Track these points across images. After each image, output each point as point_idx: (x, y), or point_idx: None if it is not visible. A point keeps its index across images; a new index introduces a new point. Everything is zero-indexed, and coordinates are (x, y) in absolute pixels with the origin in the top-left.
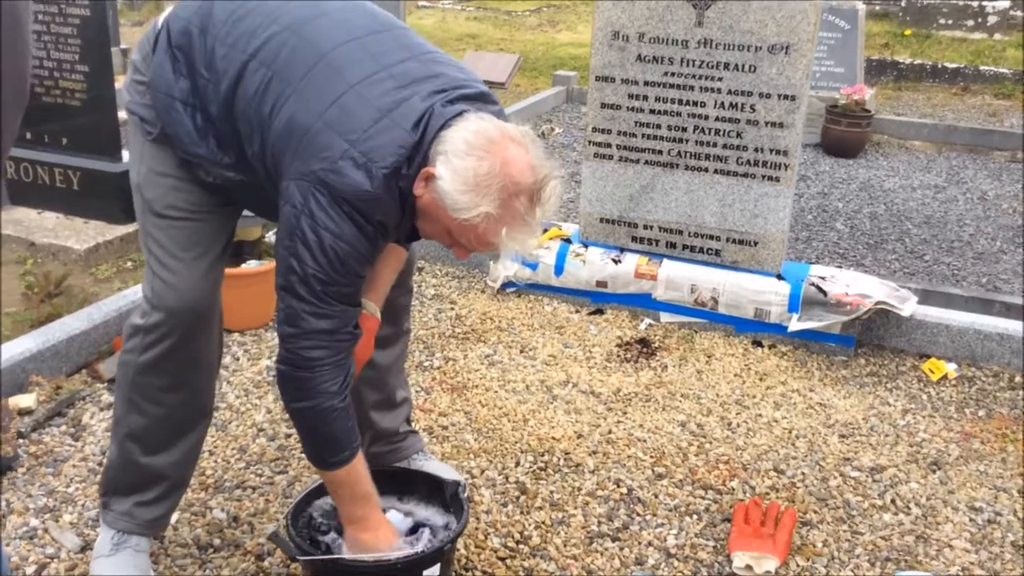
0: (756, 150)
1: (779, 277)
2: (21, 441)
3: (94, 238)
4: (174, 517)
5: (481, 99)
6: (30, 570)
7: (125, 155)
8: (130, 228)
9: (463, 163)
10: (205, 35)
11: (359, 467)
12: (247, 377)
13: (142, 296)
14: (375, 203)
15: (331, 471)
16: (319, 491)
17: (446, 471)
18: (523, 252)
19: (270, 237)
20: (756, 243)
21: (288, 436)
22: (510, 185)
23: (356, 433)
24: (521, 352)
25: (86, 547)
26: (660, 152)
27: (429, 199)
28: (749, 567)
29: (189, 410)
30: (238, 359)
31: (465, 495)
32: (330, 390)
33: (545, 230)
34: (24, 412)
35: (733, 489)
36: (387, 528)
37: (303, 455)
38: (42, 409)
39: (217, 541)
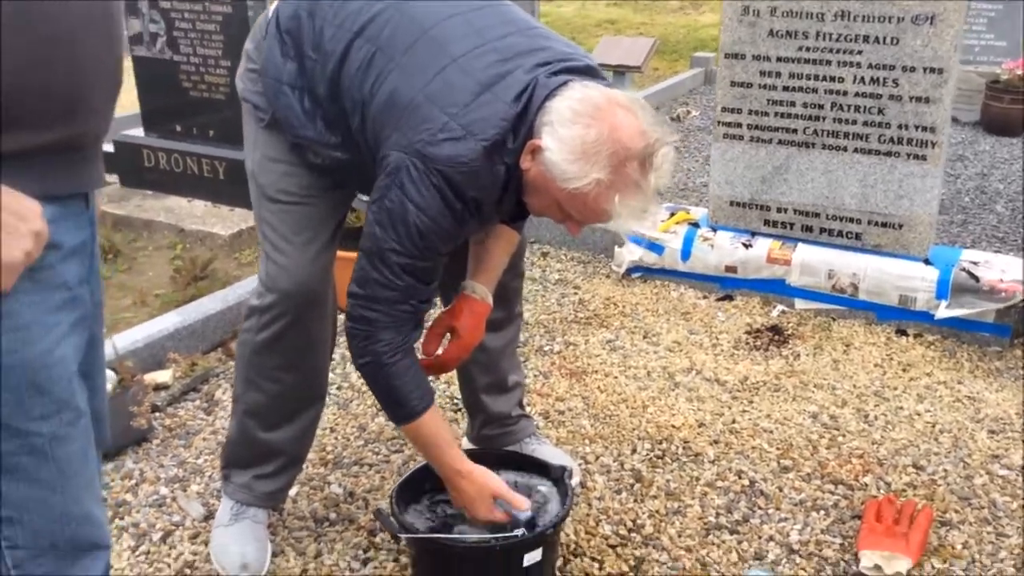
0: (900, 127)
1: (926, 262)
2: (156, 414)
3: (238, 224)
4: (293, 491)
5: (587, 72)
6: (156, 536)
7: None
8: None
9: (570, 132)
10: (313, 17)
11: (429, 427)
12: None
13: (258, 279)
14: (471, 176)
15: (400, 426)
16: (421, 472)
17: (558, 456)
18: (637, 221)
19: None
20: (901, 226)
21: None
22: (620, 151)
23: (420, 392)
24: (644, 338)
25: (209, 516)
26: (795, 131)
27: (537, 172)
28: (878, 567)
29: (303, 390)
30: None
31: (572, 480)
32: (384, 351)
33: (672, 214)
34: (160, 387)
35: (866, 485)
36: (469, 490)
37: None
38: (178, 384)
39: (333, 515)
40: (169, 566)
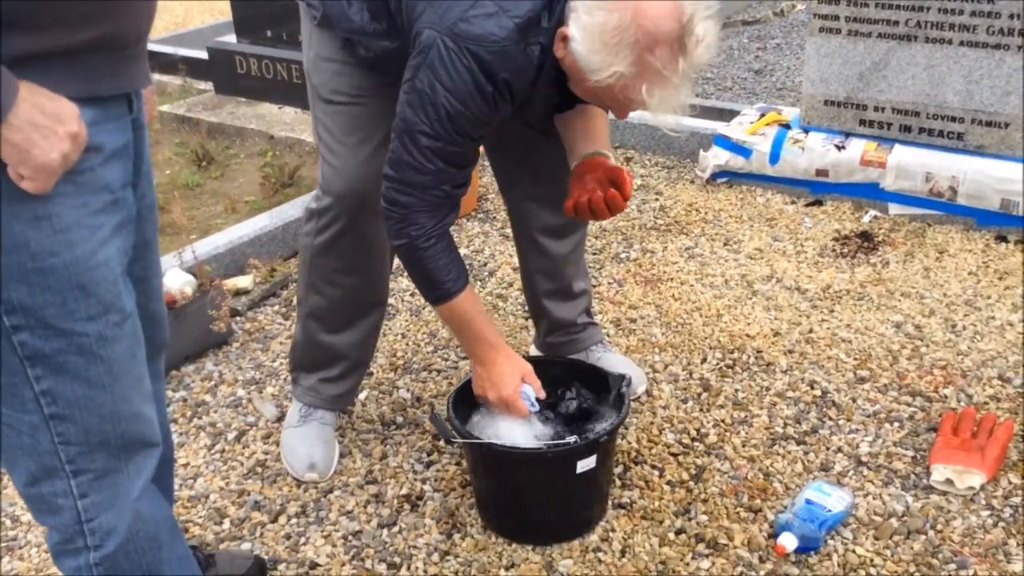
0: (1011, 17)
1: None
2: (237, 319)
3: None
4: (362, 395)
5: None
6: (231, 435)
7: None
8: None
9: (592, 18)
10: None
11: (464, 305)
12: None
13: (318, 182)
14: (503, 56)
15: (434, 306)
16: None
17: (624, 364)
18: (673, 110)
19: None
20: (1007, 124)
21: None
22: (643, 38)
23: (455, 274)
24: (724, 245)
25: (282, 417)
26: (896, 23)
27: (570, 61)
28: (950, 481)
29: (363, 294)
30: None
31: (639, 389)
32: (419, 235)
33: (762, 115)
34: (241, 292)
35: (946, 397)
36: (503, 366)
37: None
38: (257, 290)
39: (400, 419)
40: (242, 464)
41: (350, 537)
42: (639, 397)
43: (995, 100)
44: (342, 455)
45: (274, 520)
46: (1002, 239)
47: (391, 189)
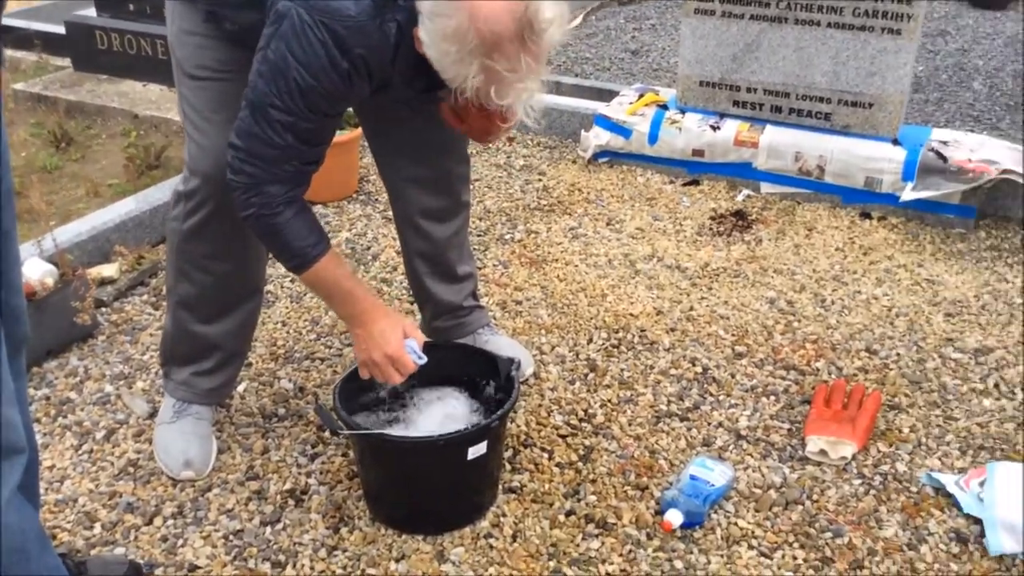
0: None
1: (895, 142)
2: (102, 310)
3: None
4: (241, 387)
5: None
6: (100, 434)
7: None
8: None
9: (434, 26)
10: None
11: (328, 268)
12: None
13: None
14: (359, 31)
15: (298, 275)
16: None
17: (511, 347)
18: (531, 100)
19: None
20: (871, 105)
21: None
22: (482, 41)
23: (314, 238)
24: (607, 225)
25: (154, 413)
26: (767, 5)
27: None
28: (824, 452)
29: (237, 282)
30: None
31: (527, 371)
32: (267, 202)
33: (641, 95)
34: (107, 281)
35: (818, 370)
36: (382, 322)
37: None
38: (124, 279)
39: (282, 411)
40: (113, 464)
41: (231, 536)
42: (527, 379)
43: (860, 81)
44: (220, 451)
45: (149, 522)
46: (866, 215)
47: (236, 159)
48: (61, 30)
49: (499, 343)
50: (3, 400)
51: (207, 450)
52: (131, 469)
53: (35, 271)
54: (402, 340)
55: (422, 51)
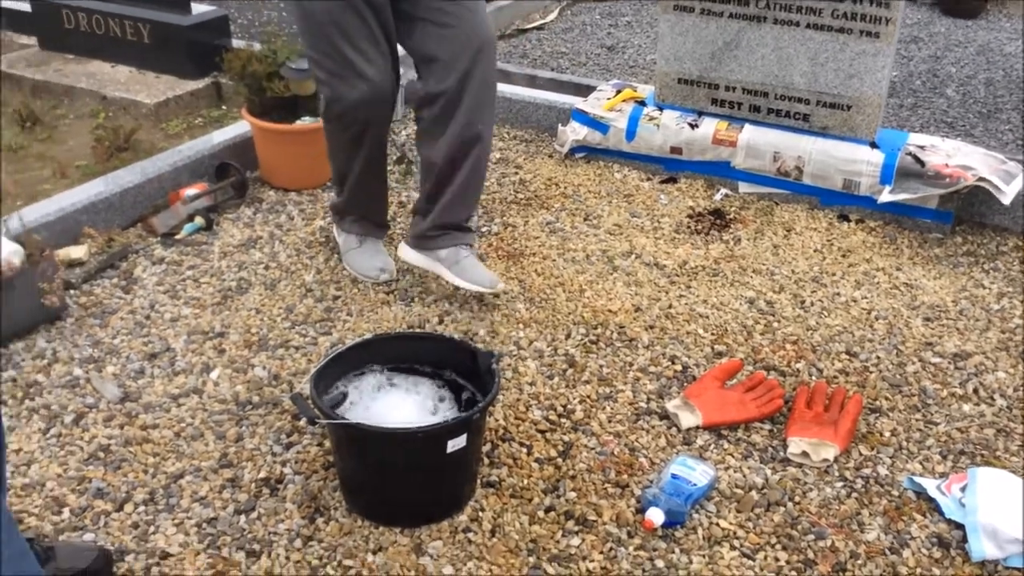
0: (855, 1)
1: (873, 145)
2: (71, 292)
3: (164, 93)
4: (214, 373)
5: None
6: (68, 419)
7: (195, 8)
8: (200, 84)
9: None
10: None
11: None
12: (300, 237)
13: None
14: None
15: None
16: (345, 355)
17: (485, 278)
18: None
19: None
20: (850, 107)
21: (336, 299)
22: None
23: None
24: (585, 220)
25: (126, 398)
26: (747, 3)
27: None
28: (805, 454)
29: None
30: (292, 218)
31: (498, 365)
32: None
33: (618, 91)
34: (75, 263)
35: (798, 371)
36: None
37: (348, 317)
38: (93, 261)
39: (256, 398)
40: (82, 449)
41: (204, 524)
42: (505, 372)
43: (839, 83)
44: (192, 437)
45: (119, 508)
46: (844, 218)
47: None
48: (27, 7)
49: (475, 272)
50: None
51: (391, 260)
52: (101, 454)
53: (2, 250)
54: None
55: None
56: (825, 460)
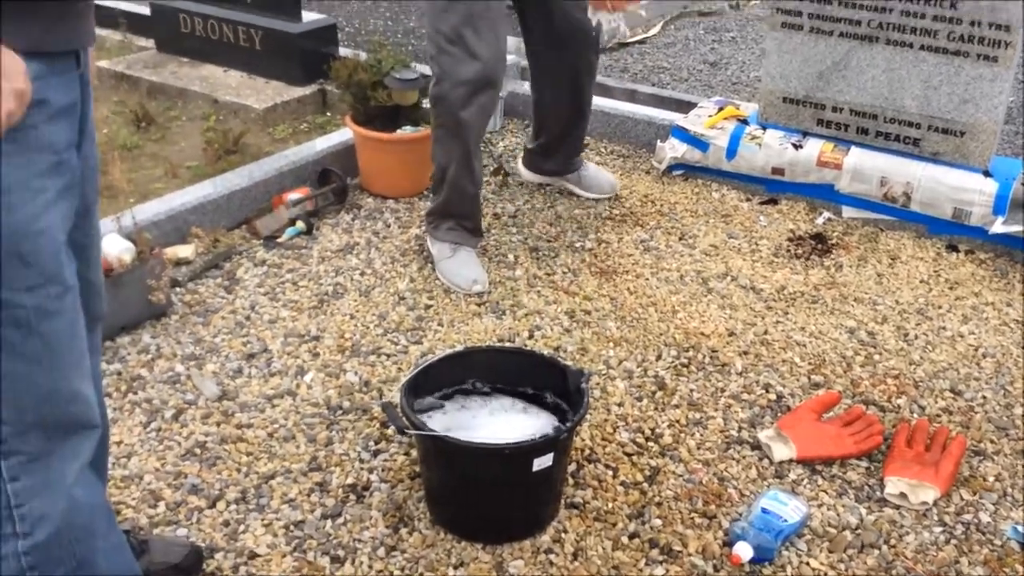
0: (972, 24)
1: (986, 174)
2: (177, 290)
3: (272, 98)
4: (308, 376)
5: None
6: (168, 414)
7: (305, 16)
8: (307, 90)
9: None
10: None
11: None
12: (395, 245)
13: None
14: None
15: None
16: (436, 367)
17: (604, 179)
18: None
19: (427, 103)
20: (963, 133)
21: (427, 308)
22: None
23: None
24: (680, 239)
25: (223, 396)
26: (859, 23)
27: None
28: (903, 495)
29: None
30: (389, 226)
31: (588, 384)
32: None
33: (720, 108)
34: (182, 262)
35: (899, 407)
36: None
37: (439, 327)
38: (199, 261)
39: (347, 403)
40: (180, 444)
41: (292, 527)
42: (593, 391)
43: (952, 108)
44: (284, 439)
45: (212, 505)
46: (953, 248)
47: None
48: (146, 11)
49: (599, 176)
50: (81, 376)
51: (483, 272)
52: (197, 450)
53: (113, 247)
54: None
55: None
56: (924, 503)
